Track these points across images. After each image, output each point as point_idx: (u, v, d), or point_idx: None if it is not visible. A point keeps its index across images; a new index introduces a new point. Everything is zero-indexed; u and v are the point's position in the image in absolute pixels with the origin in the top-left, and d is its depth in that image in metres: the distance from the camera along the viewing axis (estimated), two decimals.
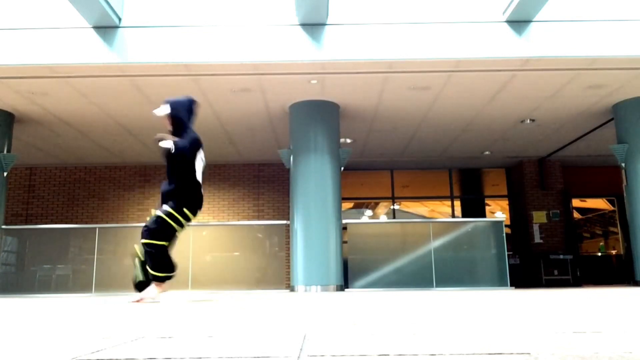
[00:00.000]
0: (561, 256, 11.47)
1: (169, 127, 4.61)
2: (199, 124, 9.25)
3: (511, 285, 8.45)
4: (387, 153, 11.49)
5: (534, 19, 6.82)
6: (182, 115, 4.58)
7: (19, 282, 9.05)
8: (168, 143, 4.40)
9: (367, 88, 7.77)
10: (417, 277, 8.46)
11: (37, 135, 9.73)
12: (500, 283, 8.43)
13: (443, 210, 13.46)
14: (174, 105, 4.59)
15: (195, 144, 4.58)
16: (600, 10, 6.90)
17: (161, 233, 4.46)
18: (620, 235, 12.74)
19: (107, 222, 11.59)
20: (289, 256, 8.61)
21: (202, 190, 4.73)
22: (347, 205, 12.62)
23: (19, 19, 6.84)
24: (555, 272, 11.45)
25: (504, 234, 8.81)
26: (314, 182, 7.99)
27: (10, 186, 11.04)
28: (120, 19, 6.81)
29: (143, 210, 11.93)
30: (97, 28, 6.77)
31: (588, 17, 6.86)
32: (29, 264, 9.26)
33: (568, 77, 7.44)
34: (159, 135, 4.45)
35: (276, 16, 6.95)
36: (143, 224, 4.59)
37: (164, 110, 4.55)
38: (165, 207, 4.48)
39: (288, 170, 8.44)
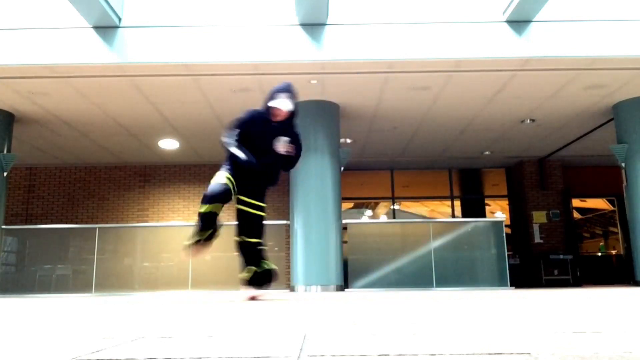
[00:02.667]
0: (561, 256, 11.47)
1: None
2: (199, 124, 9.31)
3: (511, 285, 8.45)
4: (387, 153, 11.49)
5: (534, 19, 6.82)
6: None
7: (19, 282, 9.05)
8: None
9: (367, 88, 7.77)
10: (417, 277, 8.46)
11: (37, 135, 9.73)
12: (500, 283, 8.43)
13: (443, 210, 13.45)
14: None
15: None
16: (600, 10, 6.90)
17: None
18: (620, 235, 12.74)
19: (107, 222, 11.59)
20: (289, 256, 8.61)
21: None
22: (347, 205, 12.62)
23: (19, 19, 6.84)
24: (555, 272, 11.46)
25: (504, 234, 8.81)
26: (314, 182, 7.99)
27: (10, 186, 11.04)
28: (120, 19, 6.81)
29: (143, 210, 11.93)
30: (97, 28, 6.78)
31: (588, 17, 6.86)
32: (29, 264, 9.26)
33: (568, 77, 7.44)
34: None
35: (276, 16, 6.95)
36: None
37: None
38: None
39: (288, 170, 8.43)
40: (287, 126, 4.43)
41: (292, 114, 4.41)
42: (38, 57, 6.75)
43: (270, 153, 4.34)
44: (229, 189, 4.22)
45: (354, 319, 2.02)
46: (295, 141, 4.47)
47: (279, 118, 4.36)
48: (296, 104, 4.42)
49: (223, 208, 4.30)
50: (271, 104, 4.32)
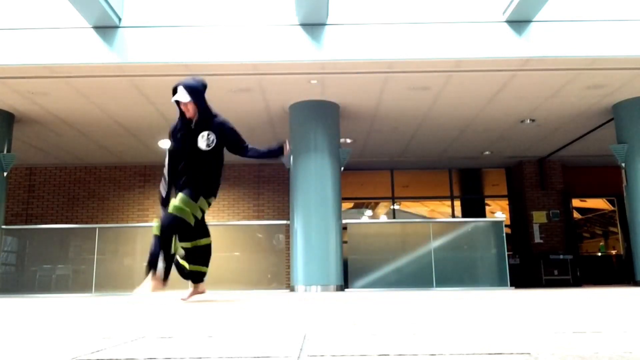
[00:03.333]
0: (561, 256, 11.47)
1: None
2: None
3: (511, 285, 8.45)
4: (387, 153, 11.49)
5: (534, 19, 6.82)
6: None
7: (19, 282, 9.05)
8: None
9: (367, 88, 7.77)
10: (417, 277, 8.46)
11: (37, 135, 9.73)
12: (500, 283, 8.43)
13: (443, 210, 13.45)
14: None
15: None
16: (600, 10, 6.91)
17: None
18: (620, 235, 12.74)
19: (107, 222, 11.59)
20: (289, 256, 8.61)
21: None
22: (347, 205, 12.61)
23: (19, 19, 6.84)
24: (555, 272, 11.46)
25: (504, 234, 8.80)
26: (314, 182, 7.99)
27: (10, 186, 11.04)
28: (120, 19, 6.81)
29: (143, 210, 11.93)
30: (97, 28, 6.78)
31: (588, 17, 6.86)
32: (29, 264, 9.26)
33: (568, 77, 7.44)
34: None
35: (276, 16, 6.95)
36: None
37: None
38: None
39: (288, 170, 8.44)
40: (207, 120, 4.26)
41: (200, 107, 4.23)
42: (38, 57, 6.75)
43: (196, 155, 4.24)
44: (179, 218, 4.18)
45: (354, 319, 2.02)
46: (223, 135, 4.28)
47: (190, 114, 4.24)
48: (196, 93, 4.23)
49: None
50: (172, 100, 4.26)
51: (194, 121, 4.27)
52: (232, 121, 4.44)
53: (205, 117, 4.28)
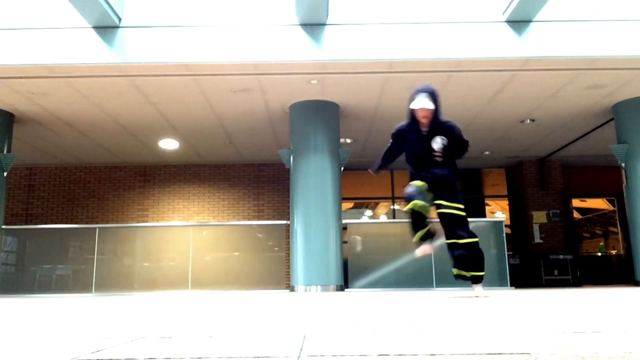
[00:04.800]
0: (561, 256, 11.47)
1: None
2: (199, 124, 9.31)
3: (511, 285, 8.44)
4: None
5: (534, 19, 6.82)
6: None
7: (19, 282, 9.05)
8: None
9: (367, 88, 7.77)
10: (417, 277, 8.46)
11: (37, 135, 9.73)
12: (500, 283, 8.42)
13: None
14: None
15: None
16: (600, 10, 6.90)
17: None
18: (620, 235, 12.74)
19: (107, 222, 11.59)
20: (289, 256, 8.61)
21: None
22: (347, 205, 12.62)
23: (19, 19, 6.84)
24: (555, 272, 11.45)
25: (504, 234, 8.80)
26: (314, 182, 7.99)
27: (10, 186, 11.04)
28: (120, 19, 6.81)
29: (143, 210, 11.94)
30: (97, 28, 6.77)
31: (588, 17, 6.86)
32: (29, 264, 9.26)
33: (568, 77, 7.44)
34: None
35: (276, 16, 6.95)
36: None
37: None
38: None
39: (288, 170, 8.44)
40: (439, 126, 4.51)
41: (435, 113, 4.47)
42: (38, 57, 6.75)
43: (430, 157, 4.58)
44: (421, 190, 4.59)
45: (354, 319, 2.02)
46: (452, 137, 4.56)
47: (425, 120, 4.47)
48: (436, 101, 4.47)
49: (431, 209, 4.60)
50: (411, 106, 4.47)
51: (427, 127, 4.51)
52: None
53: (438, 122, 4.53)
